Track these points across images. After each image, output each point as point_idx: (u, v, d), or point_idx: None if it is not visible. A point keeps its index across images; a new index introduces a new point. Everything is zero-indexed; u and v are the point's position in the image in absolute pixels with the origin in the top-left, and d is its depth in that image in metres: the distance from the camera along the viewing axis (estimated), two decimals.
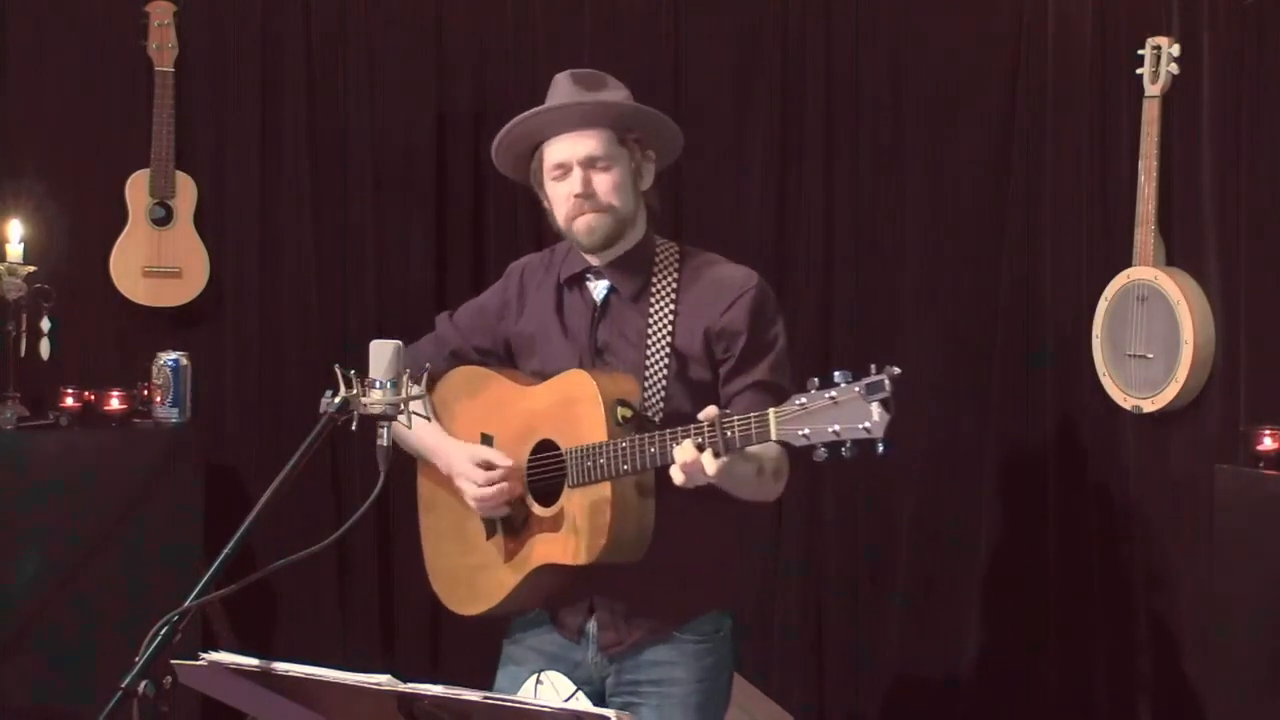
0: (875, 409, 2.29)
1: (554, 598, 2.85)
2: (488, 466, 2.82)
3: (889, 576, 4.87)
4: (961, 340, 4.87)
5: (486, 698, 1.98)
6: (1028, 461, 4.80)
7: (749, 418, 2.45)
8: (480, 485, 2.80)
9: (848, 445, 2.33)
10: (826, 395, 2.34)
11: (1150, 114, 4.25)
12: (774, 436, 2.41)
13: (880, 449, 2.31)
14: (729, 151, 4.81)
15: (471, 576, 2.92)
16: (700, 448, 2.48)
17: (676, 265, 2.86)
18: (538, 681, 2.79)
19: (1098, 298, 4.40)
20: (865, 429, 2.31)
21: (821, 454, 2.36)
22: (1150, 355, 4.25)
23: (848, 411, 2.32)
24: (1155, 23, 4.34)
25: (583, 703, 2.72)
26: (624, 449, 2.62)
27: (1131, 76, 4.33)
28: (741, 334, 2.79)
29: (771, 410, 2.42)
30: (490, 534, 2.89)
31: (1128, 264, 4.31)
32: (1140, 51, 4.30)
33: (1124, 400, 4.35)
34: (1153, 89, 4.26)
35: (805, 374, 2.45)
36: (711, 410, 2.51)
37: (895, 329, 4.85)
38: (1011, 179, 4.86)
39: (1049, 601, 4.72)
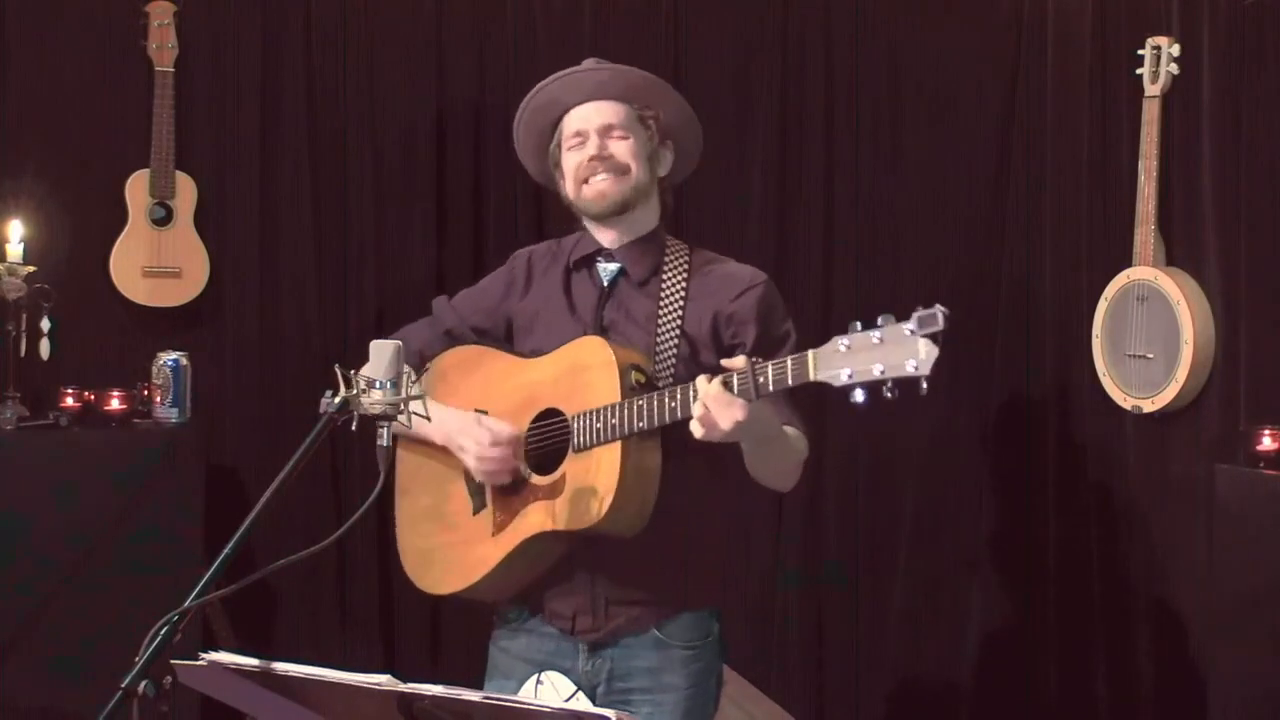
0: (923, 345, 2.23)
1: (536, 582, 2.81)
2: (492, 440, 2.77)
3: (889, 576, 4.87)
4: (961, 340, 4.86)
5: (486, 698, 1.98)
6: (1028, 461, 4.80)
7: (785, 360, 2.41)
8: (486, 445, 2.74)
9: (889, 385, 2.27)
10: (872, 335, 2.29)
11: (1150, 114, 4.25)
12: (813, 377, 2.35)
13: (924, 388, 2.24)
14: (729, 151, 4.81)
15: (451, 553, 2.87)
16: (729, 388, 2.45)
17: (686, 259, 2.89)
18: (538, 682, 2.78)
19: (1098, 298, 4.40)
20: (913, 366, 2.24)
21: (860, 395, 2.29)
22: (1150, 355, 4.25)
23: (894, 350, 2.26)
24: (1155, 23, 4.34)
25: (583, 703, 2.72)
26: (640, 405, 2.59)
27: (1131, 76, 4.33)
28: (750, 323, 2.80)
29: (811, 351, 2.37)
30: (478, 508, 2.84)
31: (1128, 264, 4.31)
32: (1140, 51, 4.30)
33: (1124, 400, 4.35)
34: (1153, 89, 4.26)
35: None
36: (740, 359, 2.48)
37: None
38: (1011, 178, 4.86)
39: (1049, 601, 4.72)
